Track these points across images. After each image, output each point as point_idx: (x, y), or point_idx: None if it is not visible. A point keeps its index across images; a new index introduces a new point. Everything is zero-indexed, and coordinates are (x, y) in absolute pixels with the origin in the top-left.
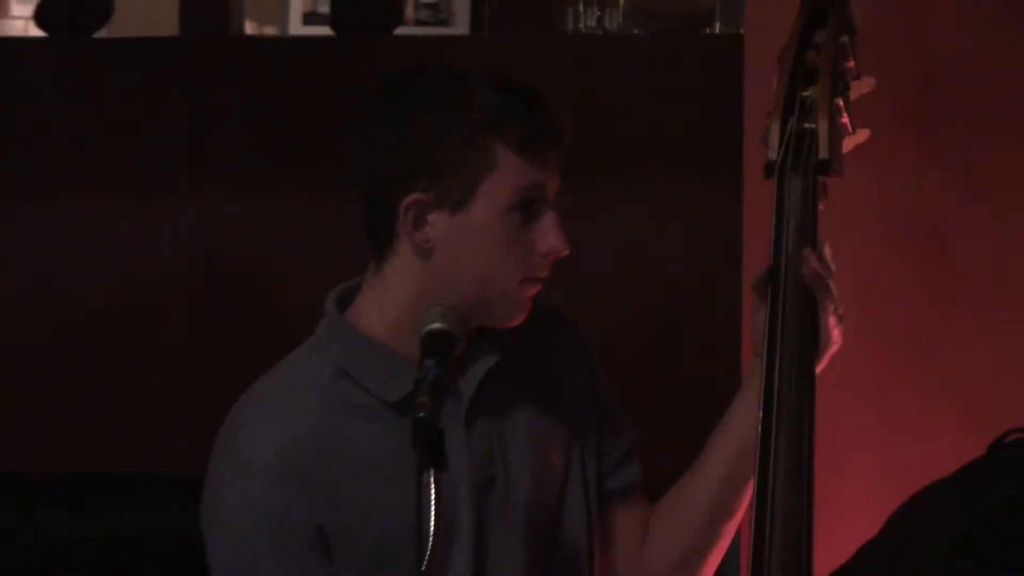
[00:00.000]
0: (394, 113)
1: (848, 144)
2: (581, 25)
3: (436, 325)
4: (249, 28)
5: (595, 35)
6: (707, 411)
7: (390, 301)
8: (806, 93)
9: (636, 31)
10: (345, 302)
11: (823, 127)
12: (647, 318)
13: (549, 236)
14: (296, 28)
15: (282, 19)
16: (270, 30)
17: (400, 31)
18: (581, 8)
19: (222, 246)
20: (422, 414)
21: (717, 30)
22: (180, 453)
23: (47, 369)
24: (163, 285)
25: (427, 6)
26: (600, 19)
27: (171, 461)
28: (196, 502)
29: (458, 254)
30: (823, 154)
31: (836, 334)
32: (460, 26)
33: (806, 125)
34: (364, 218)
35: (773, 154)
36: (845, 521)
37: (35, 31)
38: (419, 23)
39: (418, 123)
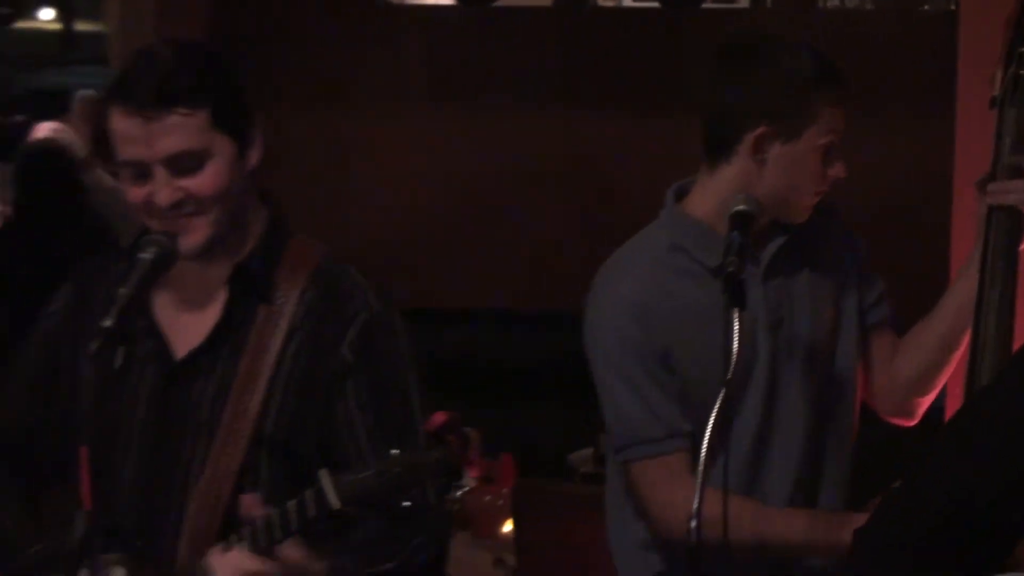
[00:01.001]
0: (749, 70)
1: None
2: (829, 3)
3: (741, 207)
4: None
5: (839, 9)
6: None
7: (717, 194)
8: None
9: (869, 6)
10: (679, 195)
11: None
12: (882, 217)
13: (838, 167)
14: (628, 2)
15: None
16: (609, 3)
17: (704, 5)
18: None
19: (584, 156)
20: (730, 269)
21: (926, 6)
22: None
23: (464, 231)
24: (550, 177)
25: None
26: None
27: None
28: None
29: (779, 173)
30: None
31: None
32: (743, 1)
33: (1023, 72)
34: (712, 137)
35: (997, 91)
36: None
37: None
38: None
39: (767, 78)
